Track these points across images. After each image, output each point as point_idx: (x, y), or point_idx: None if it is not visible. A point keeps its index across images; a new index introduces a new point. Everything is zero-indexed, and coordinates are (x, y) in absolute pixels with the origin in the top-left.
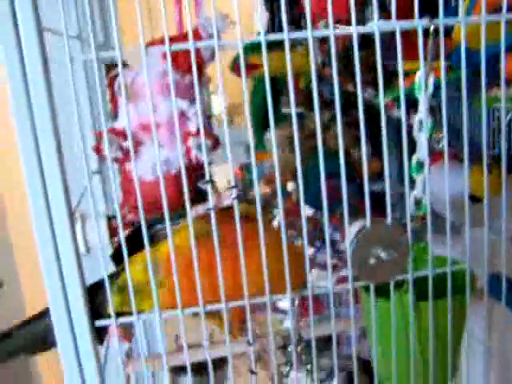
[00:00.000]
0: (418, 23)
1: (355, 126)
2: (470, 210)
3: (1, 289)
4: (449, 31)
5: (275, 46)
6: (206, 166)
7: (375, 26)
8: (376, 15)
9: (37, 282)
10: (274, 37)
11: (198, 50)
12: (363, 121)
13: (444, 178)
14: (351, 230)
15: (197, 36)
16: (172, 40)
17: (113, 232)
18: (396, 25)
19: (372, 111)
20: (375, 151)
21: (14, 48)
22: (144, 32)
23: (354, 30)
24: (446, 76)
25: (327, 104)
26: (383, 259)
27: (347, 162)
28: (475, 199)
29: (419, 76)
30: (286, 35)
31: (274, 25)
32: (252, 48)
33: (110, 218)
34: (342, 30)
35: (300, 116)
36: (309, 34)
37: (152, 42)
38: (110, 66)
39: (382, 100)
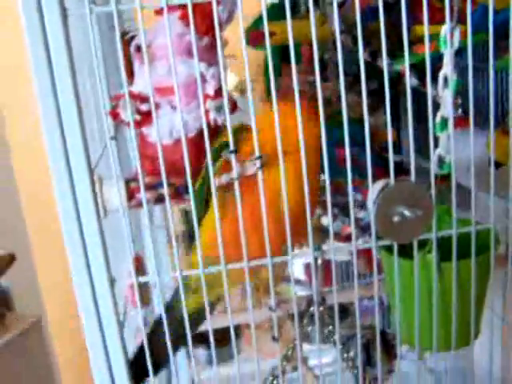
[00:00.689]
0: None
1: (370, 94)
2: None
3: (13, 262)
4: None
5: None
6: (229, 133)
7: None
8: None
9: (49, 256)
10: None
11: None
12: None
13: (463, 144)
14: (374, 188)
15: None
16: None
17: (130, 195)
18: None
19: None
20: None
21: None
22: None
23: None
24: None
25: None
26: (407, 217)
27: (361, 128)
28: (497, 165)
29: (445, 30)
30: None
31: None
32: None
33: (128, 181)
34: None
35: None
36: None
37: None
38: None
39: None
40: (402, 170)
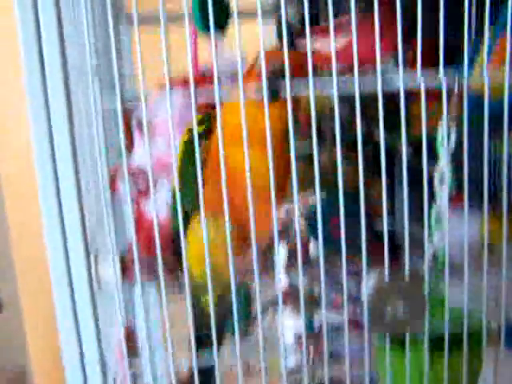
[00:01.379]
0: (443, 79)
1: (366, 164)
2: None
3: (1, 311)
4: None
5: None
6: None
7: (401, 82)
8: (401, 70)
9: (38, 306)
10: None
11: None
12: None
13: (457, 223)
14: (368, 281)
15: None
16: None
17: (125, 271)
18: (421, 81)
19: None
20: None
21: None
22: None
23: (378, 86)
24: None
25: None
26: (400, 313)
27: (358, 201)
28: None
29: (441, 130)
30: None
31: None
32: None
33: (123, 257)
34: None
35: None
36: (334, 90)
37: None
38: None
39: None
40: (395, 246)
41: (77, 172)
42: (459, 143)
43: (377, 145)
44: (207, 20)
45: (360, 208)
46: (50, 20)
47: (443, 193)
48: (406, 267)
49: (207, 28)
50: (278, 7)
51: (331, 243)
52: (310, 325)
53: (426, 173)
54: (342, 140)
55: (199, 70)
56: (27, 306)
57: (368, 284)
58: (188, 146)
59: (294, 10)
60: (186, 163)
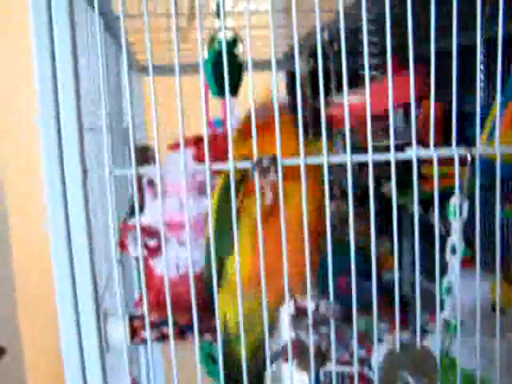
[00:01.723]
0: (455, 151)
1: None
2: (493, 319)
3: (3, 356)
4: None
5: None
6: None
7: (413, 153)
8: (414, 140)
9: (39, 351)
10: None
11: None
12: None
13: (467, 286)
14: (379, 351)
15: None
16: (200, 141)
17: (134, 332)
18: (433, 152)
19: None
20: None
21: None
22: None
23: (392, 156)
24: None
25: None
26: (411, 382)
27: (365, 257)
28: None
29: (453, 202)
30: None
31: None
32: None
33: (132, 318)
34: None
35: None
36: (348, 158)
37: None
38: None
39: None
40: (404, 303)
41: (90, 232)
42: (471, 213)
43: (382, 200)
44: (221, 85)
45: (365, 264)
46: (67, 79)
47: (455, 263)
48: (418, 335)
49: (222, 93)
50: (289, 59)
51: (341, 301)
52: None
53: (437, 244)
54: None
55: (210, 122)
56: (29, 352)
57: (379, 352)
58: (223, 195)
59: (304, 62)
60: (222, 214)
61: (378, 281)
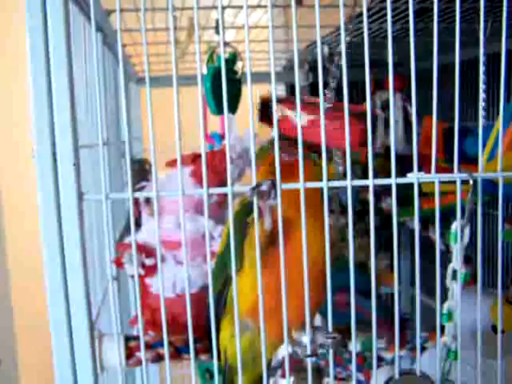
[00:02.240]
0: (458, 176)
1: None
2: (492, 340)
3: None
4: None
5: None
6: None
7: (415, 178)
8: (416, 164)
9: (34, 362)
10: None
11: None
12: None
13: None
14: (379, 378)
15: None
16: (198, 158)
17: (129, 353)
18: (435, 178)
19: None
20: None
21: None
22: None
23: (393, 181)
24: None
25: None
26: None
27: (364, 274)
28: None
29: (455, 228)
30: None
31: None
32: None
33: (128, 339)
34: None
35: None
36: (348, 183)
37: (182, 159)
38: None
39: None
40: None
41: (83, 251)
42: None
43: (381, 215)
44: (219, 102)
45: (363, 281)
46: (62, 89)
47: (456, 289)
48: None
49: (220, 111)
50: (288, 71)
51: (339, 318)
52: None
53: (438, 273)
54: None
55: (208, 135)
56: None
57: (379, 379)
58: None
59: (302, 74)
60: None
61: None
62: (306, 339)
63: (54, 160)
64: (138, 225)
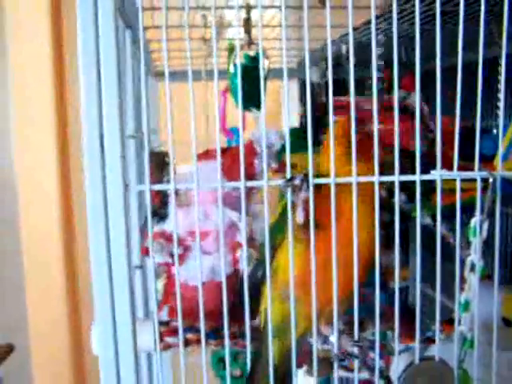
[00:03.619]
0: (478, 174)
1: (384, 229)
2: (504, 333)
3: (11, 353)
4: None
5: (302, 149)
6: None
7: (438, 175)
8: (439, 161)
9: (47, 347)
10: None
11: (251, 164)
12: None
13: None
14: (399, 363)
15: (250, 149)
16: (224, 152)
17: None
18: (457, 175)
19: (404, 218)
20: (406, 258)
21: None
22: None
23: (417, 177)
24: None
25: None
26: None
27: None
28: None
29: (475, 222)
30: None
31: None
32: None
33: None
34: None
35: None
36: (376, 179)
37: (207, 152)
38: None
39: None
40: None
41: (128, 240)
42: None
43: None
44: (246, 99)
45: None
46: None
47: (473, 281)
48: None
49: (247, 107)
50: (303, 67)
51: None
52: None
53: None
54: None
55: (227, 129)
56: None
57: (399, 364)
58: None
59: (319, 71)
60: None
61: (388, 291)
62: (333, 339)
63: (102, 151)
64: (159, 215)
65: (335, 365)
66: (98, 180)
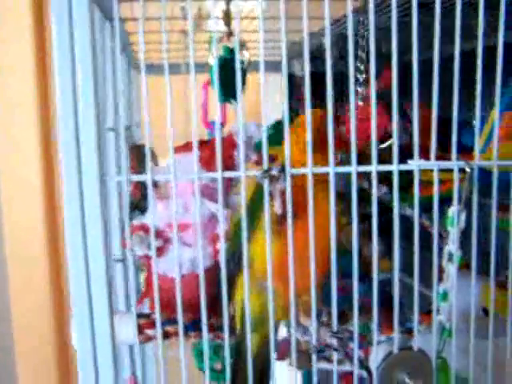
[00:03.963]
0: (456, 164)
1: (367, 221)
2: (482, 322)
3: None
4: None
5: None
6: None
7: (415, 165)
8: (416, 152)
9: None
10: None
11: (231, 156)
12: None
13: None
14: (378, 353)
15: (230, 142)
16: (204, 144)
17: (139, 330)
18: (435, 165)
19: (385, 209)
20: (387, 249)
21: None
22: None
23: (395, 167)
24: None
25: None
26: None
27: (358, 260)
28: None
29: (452, 212)
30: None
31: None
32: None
33: (137, 316)
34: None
35: None
36: (353, 168)
37: (186, 145)
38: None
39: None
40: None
41: (106, 232)
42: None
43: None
44: (225, 91)
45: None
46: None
47: (451, 271)
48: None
49: (226, 98)
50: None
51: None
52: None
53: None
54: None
55: (208, 121)
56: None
57: (378, 354)
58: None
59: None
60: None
61: (370, 282)
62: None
63: (77, 143)
64: (139, 208)
65: (313, 357)
66: (73, 171)
